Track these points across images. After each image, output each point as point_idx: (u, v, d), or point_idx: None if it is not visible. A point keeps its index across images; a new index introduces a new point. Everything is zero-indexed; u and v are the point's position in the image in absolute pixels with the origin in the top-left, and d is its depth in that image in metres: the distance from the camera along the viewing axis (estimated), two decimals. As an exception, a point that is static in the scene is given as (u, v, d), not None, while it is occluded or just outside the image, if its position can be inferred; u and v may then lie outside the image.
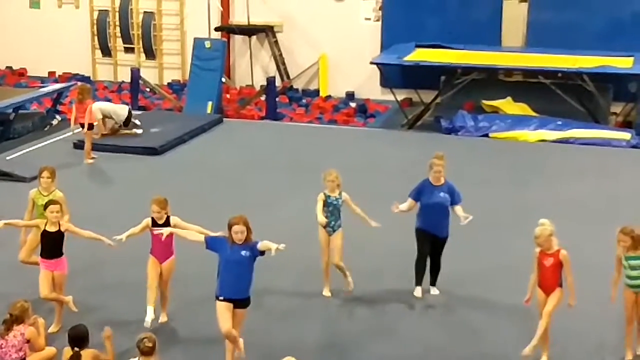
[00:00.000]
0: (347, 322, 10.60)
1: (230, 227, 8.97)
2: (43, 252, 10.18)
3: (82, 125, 16.85)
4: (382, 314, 10.79)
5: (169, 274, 10.26)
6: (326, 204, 10.84)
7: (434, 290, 11.29)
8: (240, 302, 9.08)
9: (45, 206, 10.18)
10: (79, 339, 8.76)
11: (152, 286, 10.16)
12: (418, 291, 11.19)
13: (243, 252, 8.94)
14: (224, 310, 9.06)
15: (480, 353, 9.87)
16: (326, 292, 11.24)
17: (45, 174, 10.99)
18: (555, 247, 9.36)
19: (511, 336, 10.09)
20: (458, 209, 10.97)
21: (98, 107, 17.97)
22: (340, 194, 10.90)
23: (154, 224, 10.06)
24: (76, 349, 8.71)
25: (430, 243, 11.05)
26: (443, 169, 10.89)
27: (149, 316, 9.99)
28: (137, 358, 8.40)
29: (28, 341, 9.24)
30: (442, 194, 10.90)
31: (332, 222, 10.90)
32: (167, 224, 9.98)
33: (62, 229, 10.12)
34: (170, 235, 9.89)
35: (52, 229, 10.09)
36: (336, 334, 10.35)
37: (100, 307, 10.66)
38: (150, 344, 8.36)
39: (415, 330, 10.39)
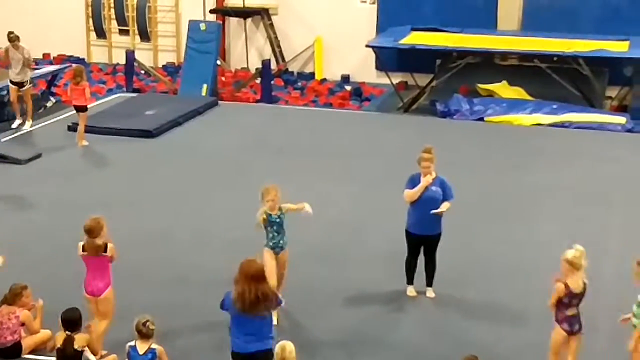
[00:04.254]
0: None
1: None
2: None
3: (77, 108, 16.80)
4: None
5: (103, 308, 9.02)
6: (269, 223, 9.93)
7: (430, 293, 10.73)
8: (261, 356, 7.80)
9: None
10: (72, 322, 8.76)
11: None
12: (411, 290, 10.75)
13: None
14: None
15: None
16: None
17: None
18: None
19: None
20: (445, 204, 10.34)
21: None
22: (280, 209, 9.96)
23: (85, 249, 8.94)
24: (68, 332, 8.72)
25: (422, 243, 10.54)
26: (432, 163, 10.33)
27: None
28: (134, 341, 8.41)
29: (23, 324, 9.27)
30: (433, 188, 10.33)
31: (280, 241, 10.04)
32: (104, 249, 8.95)
33: None
34: (106, 260, 8.96)
35: None
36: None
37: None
38: (152, 327, 8.32)
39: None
